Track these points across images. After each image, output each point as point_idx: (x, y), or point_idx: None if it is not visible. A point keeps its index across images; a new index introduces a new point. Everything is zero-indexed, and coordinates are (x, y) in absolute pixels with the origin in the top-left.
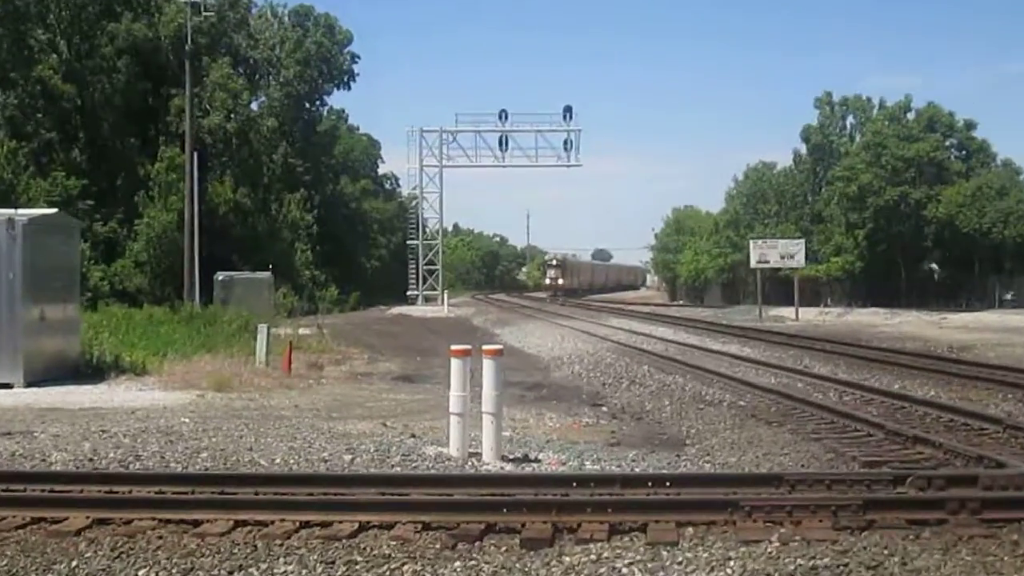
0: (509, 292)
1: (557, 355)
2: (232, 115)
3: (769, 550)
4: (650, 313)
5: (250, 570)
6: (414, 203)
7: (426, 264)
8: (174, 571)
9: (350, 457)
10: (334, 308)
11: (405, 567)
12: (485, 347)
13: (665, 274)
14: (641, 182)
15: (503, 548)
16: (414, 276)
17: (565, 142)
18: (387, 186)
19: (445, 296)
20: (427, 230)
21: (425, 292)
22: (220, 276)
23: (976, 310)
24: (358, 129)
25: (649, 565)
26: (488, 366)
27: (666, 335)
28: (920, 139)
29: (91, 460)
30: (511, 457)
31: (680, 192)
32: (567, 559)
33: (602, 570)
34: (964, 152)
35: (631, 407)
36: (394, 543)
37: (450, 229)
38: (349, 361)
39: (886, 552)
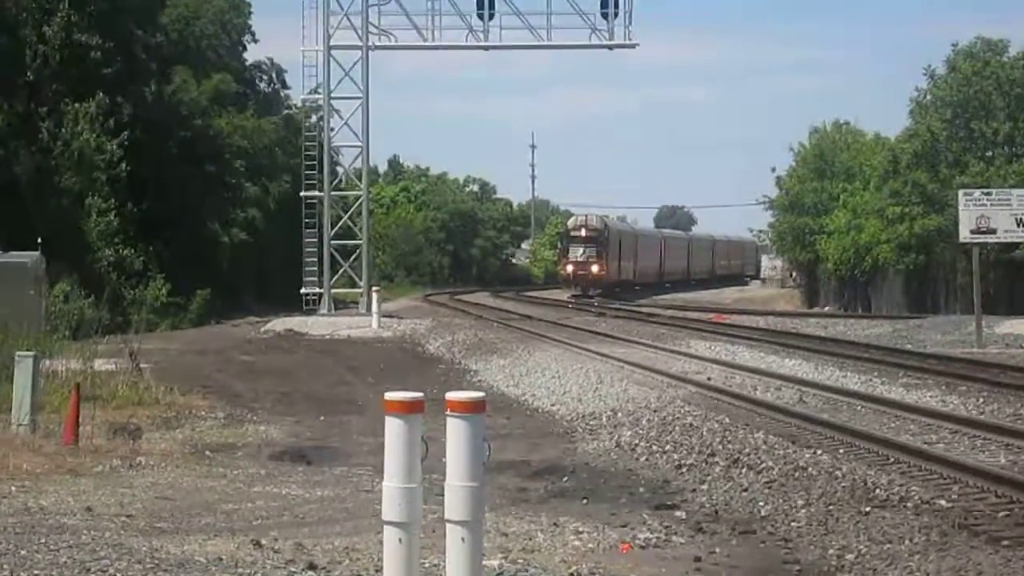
0: (496, 291)
1: (589, 410)
2: None
3: None
4: (770, 329)
5: None
6: (314, 120)
7: (337, 239)
8: None
9: None
10: (162, 321)
11: None
12: (451, 396)
13: (798, 255)
14: (740, 84)
15: None
16: (313, 261)
17: (604, 3)
18: (263, 86)
19: (374, 298)
20: (340, 173)
21: (337, 291)
22: None
23: None
24: None
25: None
26: (457, 431)
27: (799, 371)
28: None
29: None
30: None
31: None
32: None
33: None
34: None
35: (731, 510)
36: None
37: (383, 170)
38: (191, 422)
39: None
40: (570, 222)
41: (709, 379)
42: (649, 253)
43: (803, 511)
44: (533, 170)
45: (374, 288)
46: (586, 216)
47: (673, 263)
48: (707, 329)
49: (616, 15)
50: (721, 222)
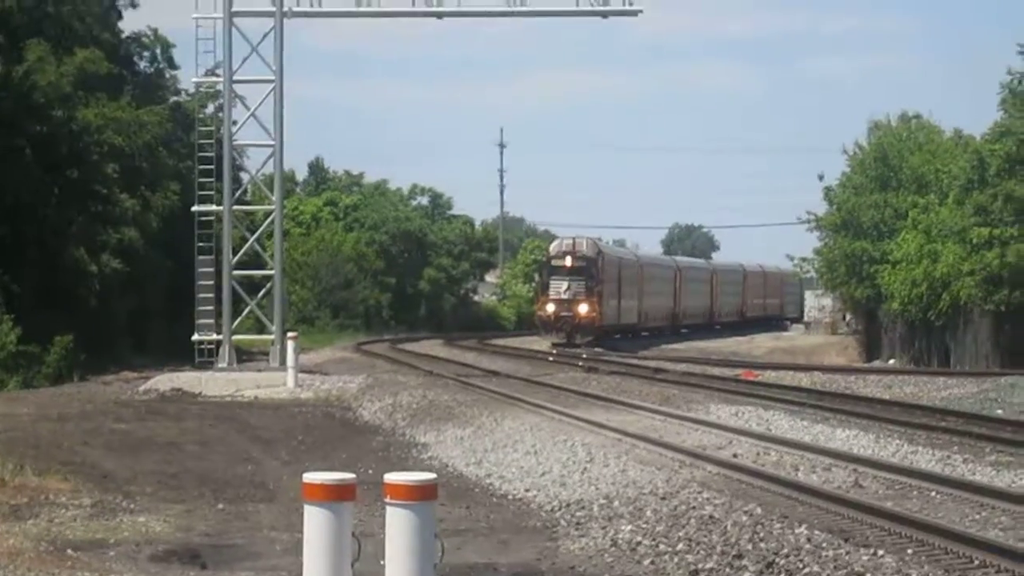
0: (452, 338)
1: (575, 497)
2: None
3: None
4: (816, 389)
5: None
6: (211, 111)
7: (241, 269)
8: None
9: None
10: (10, 377)
11: None
12: (392, 479)
13: (853, 291)
14: (776, 65)
15: None
16: (210, 298)
17: None
18: (144, 65)
19: (290, 348)
20: (245, 181)
21: (240, 339)
22: None
23: None
24: None
25: None
26: (400, 525)
27: (854, 446)
28: None
29: None
30: None
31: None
32: None
33: None
34: None
35: None
36: None
37: (302, 178)
38: (48, 511)
39: None
40: (552, 247)
41: (735, 456)
42: (657, 288)
43: None
44: (502, 178)
45: (290, 334)
46: (573, 240)
47: (691, 301)
48: (733, 390)
49: None
50: (752, 248)
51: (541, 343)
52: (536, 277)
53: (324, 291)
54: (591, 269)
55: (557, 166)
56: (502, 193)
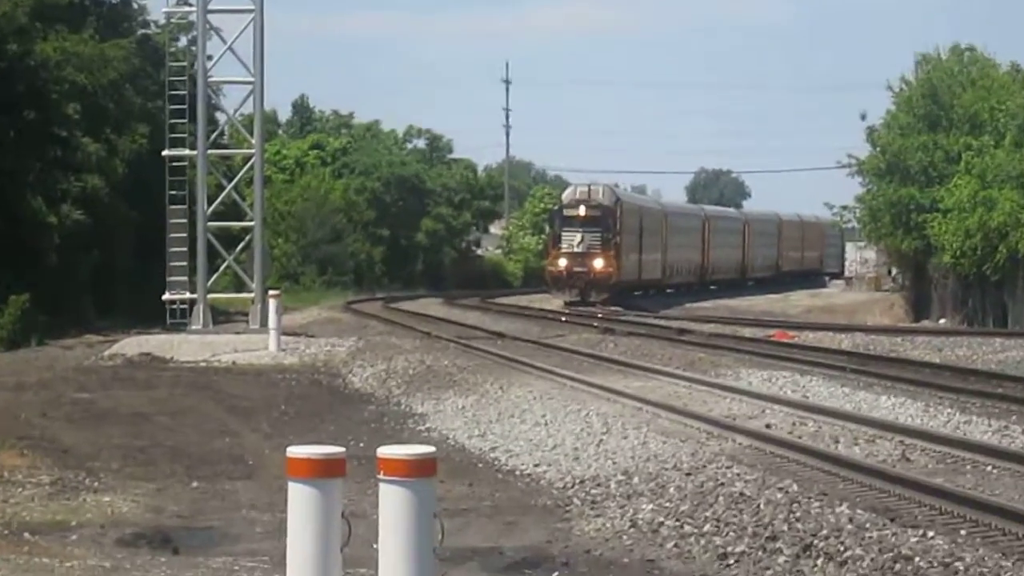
0: (452, 296)
1: (590, 473)
2: None
3: None
4: (859, 352)
5: None
6: (184, 44)
7: (217, 220)
8: None
9: None
10: None
11: None
12: (386, 452)
13: (899, 243)
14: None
15: None
16: (183, 252)
17: None
18: None
19: (272, 308)
20: (222, 123)
21: (217, 297)
22: None
23: None
24: None
25: None
26: (395, 504)
27: (901, 415)
28: None
29: None
30: None
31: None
32: None
33: None
34: None
35: None
36: None
37: (285, 119)
38: (3, 490)
39: None
40: (564, 195)
41: (768, 427)
42: (682, 240)
43: None
44: (507, 118)
45: (272, 292)
46: (588, 186)
47: (720, 254)
48: (766, 352)
49: None
50: (786, 196)
51: (552, 302)
52: (546, 228)
53: (310, 244)
54: (608, 219)
55: (569, 105)
56: (507, 135)
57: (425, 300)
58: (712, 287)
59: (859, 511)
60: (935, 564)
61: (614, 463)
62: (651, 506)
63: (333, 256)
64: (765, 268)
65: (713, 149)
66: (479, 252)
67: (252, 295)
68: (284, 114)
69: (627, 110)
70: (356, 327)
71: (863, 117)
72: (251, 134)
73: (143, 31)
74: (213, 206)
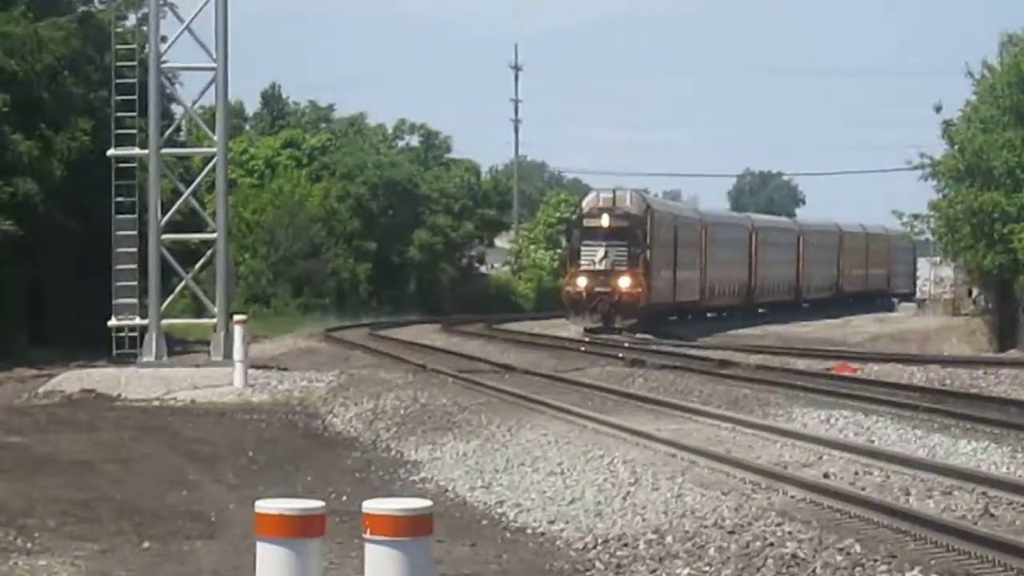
0: (452, 321)
1: (615, 531)
2: None
3: None
4: (934, 388)
5: None
6: (132, 23)
7: (173, 231)
8: None
9: None
10: None
11: None
12: (373, 508)
13: (982, 258)
14: None
15: None
16: (132, 270)
17: None
18: None
19: (239, 336)
20: (179, 116)
21: (173, 323)
22: None
23: None
24: None
25: None
26: (385, 568)
27: (984, 463)
28: None
29: None
30: None
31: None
32: None
33: None
34: None
35: None
36: None
37: (253, 111)
38: None
39: None
40: (584, 202)
41: (826, 476)
42: (726, 254)
43: None
44: (516, 111)
45: (237, 318)
46: (612, 192)
47: (770, 272)
48: (824, 388)
49: None
50: (848, 202)
51: (569, 328)
52: (562, 242)
53: (282, 261)
54: (636, 230)
55: (589, 96)
56: (517, 131)
57: (419, 327)
58: (760, 311)
59: None
60: None
61: (643, 520)
62: (687, 570)
63: (310, 274)
64: (823, 288)
65: (761, 147)
66: (483, 270)
67: (214, 321)
68: (252, 106)
69: (658, 102)
70: (338, 359)
71: (938, 109)
72: (213, 130)
73: (84, 8)
74: (168, 215)
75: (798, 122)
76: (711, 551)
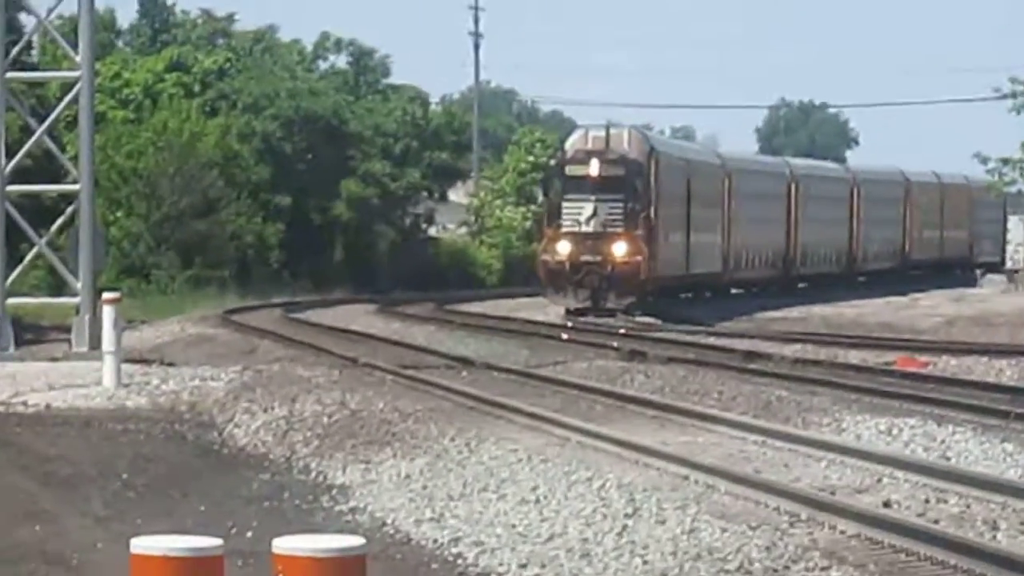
0: (390, 301)
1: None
2: None
3: None
4: (1021, 387)
5: None
6: None
7: (21, 182)
8: None
9: None
10: None
11: None
12: (286, 547)
13: None
14: None
15: None
16: None
17: None
18: None
19: (109, 319)
20: (29, 30)
21: (21, 303)
22: None
23: None
24: None
25: None
26: None
27: None
28: None
29: None
30: None
31: None
32: None
33: None
34: None
35: None
36: None
37: (129, 23)
38: None
39: None
40: (569, 144)
41: (887, 505)
42: (755, 211)
43: None
44: (477, 22)
45: (108, 296)
46: (606, 130)
47: (814, 234)
48: (883, 389)
49: None
50: (915, 143)
51: (547, 310)
52: (539, 195)
53: (168, 220)
54: (635, 180)
55: (575, 3)
56: (477, 48)
57: (348, 307)
58: (801, 286)
59: None
60: None
61: (644, 562)
62: None
63: (204, 238)
64: (884, 256)
65: (799, 70)
66: (432, 232)
67: (77, 300)
68: (127, 17)
69: (664, 11)
70: (241, 350)
71: None
72: (75, 48)
73: None
74: (15, 160)
75: (847, 37)
76: None
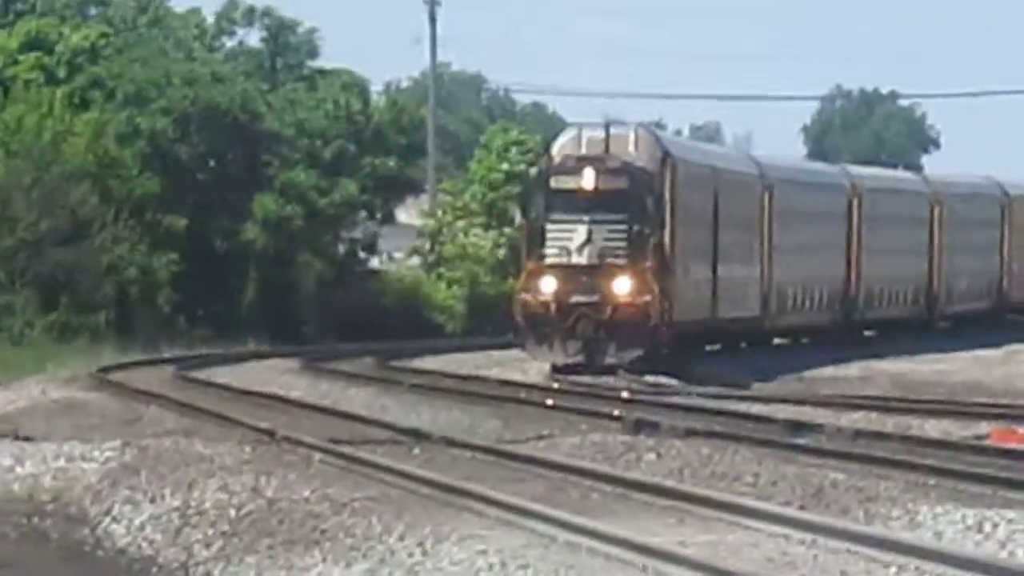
0: (316, 356)
1: None
2: None
3: None
4: None
5: None
6: None
7: None
8: None
9: None
10: None
11: None
12: None
13: None
14: None
15: None
16: None
17: None
18: None
19: None
20: None
21: None
22: None
23: None
24: None
25: None
26: None
27: None
28: None
29: None
30: None
31: None
32: None
33: None
34: None
35: None
36: None
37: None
38: None
39: None
40: (556, 147)
41: None
42: (804, 236)
43: None
44: None
45: None
46: (605, 129)
47: (883, 267)
48: (971, 472)
49: None
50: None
51: (526, 366)
52: (516, 215)
53: (22, 249)
54: (644, 196)
55: None
56: (433, 20)
57: (264, 363)
58: (866, 333)
59: None
60: None
61: None
62: None
63: (71, 273)
64: (974, 295)
65: (862, 51)
66: (375, 264)
67: None
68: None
69: None
70: (121, 420)
71: None
72: None
73: None
74: None
75: (925, 14)
76: None
